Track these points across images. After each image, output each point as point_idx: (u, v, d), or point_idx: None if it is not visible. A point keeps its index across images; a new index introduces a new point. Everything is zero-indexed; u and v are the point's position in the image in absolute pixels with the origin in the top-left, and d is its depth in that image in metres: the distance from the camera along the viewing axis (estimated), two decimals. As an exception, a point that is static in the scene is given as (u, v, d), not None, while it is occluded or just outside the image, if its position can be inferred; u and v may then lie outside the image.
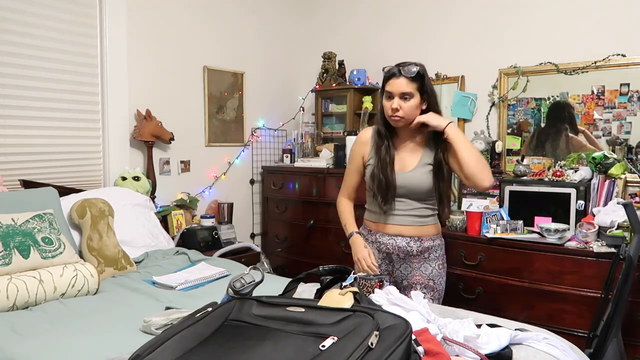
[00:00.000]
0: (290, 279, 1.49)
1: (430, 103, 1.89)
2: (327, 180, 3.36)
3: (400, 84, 1.83)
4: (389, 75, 1.87)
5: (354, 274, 1.46)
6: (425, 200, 1.97)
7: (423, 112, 1.90)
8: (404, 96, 1.84)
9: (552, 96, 3.02)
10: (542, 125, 3.07)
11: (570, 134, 2.97)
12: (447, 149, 1.92)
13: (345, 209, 2.13)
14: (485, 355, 1.27)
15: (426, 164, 1.93)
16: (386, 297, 1.45)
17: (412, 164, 1.94)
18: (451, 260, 2.82)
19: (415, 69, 1.83)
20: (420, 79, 1.84)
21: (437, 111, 1.91)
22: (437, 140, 1.93)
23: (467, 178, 1.86)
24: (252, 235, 3.83)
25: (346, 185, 2.14)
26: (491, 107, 3.25)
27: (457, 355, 1.26)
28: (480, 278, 2.70)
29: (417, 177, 1.92)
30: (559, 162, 2.92)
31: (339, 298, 1.22)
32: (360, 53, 3.78)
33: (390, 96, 1.86)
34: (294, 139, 3.82)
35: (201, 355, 1.00)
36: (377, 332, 1.00)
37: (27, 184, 2.51)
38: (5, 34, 2.49)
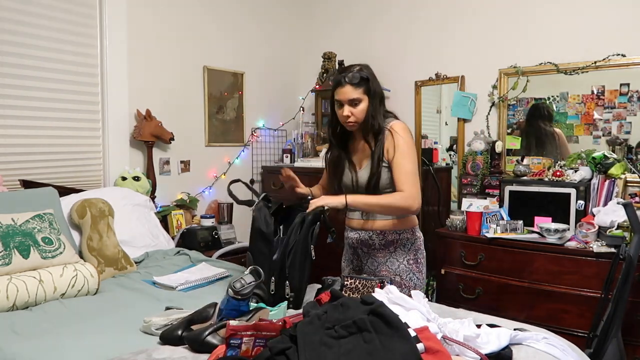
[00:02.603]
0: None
1: (374, 104, 1.91)
2: (327, 180, 3.36)
3: (346, 92, 1.89)
4: (335, 85, 1.93)
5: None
6: (383, 194, 1.97)
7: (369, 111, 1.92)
8: (353, 102, 1.89)
9: (552, 96, 3.02)
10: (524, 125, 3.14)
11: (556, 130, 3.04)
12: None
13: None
14: (485, 355, 1.27)
15: (377, 161, 1.94)
16: (386, 297, 1.45)
17: (364, 162, 1.98)
18: (451, 260, 2.83)
19: (358, 75, 1.88)
20: (366, 83, 1.89)
21: (378, 111, 1.92)
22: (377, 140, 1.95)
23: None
24: (252, 235, 3.82)
25: (322, 180, 2.25)
26: (491, 107, 3.25)
27: (458, 355, 1.26)
28: (480, 278, 2.70)
29: (367, 173, 1.95)
30: (558, 162, 2.92)
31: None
32: (360, 53, 3.78)
33: (341, 104, 1.92)
34: (294, 139, 3.82)
35: None
36: None
37: (27, 184, 2.51)
38: (5, 34, 2.49)
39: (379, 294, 1.48)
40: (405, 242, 2.01)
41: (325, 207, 1.85)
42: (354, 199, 1.86)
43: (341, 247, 2.18)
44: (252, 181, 3.80)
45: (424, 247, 2.08)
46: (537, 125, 3.10)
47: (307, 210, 1.82)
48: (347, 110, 1.90)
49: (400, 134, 1.90)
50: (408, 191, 1.84)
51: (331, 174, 2.07)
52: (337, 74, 1.97)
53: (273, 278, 1.76)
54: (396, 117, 2.01)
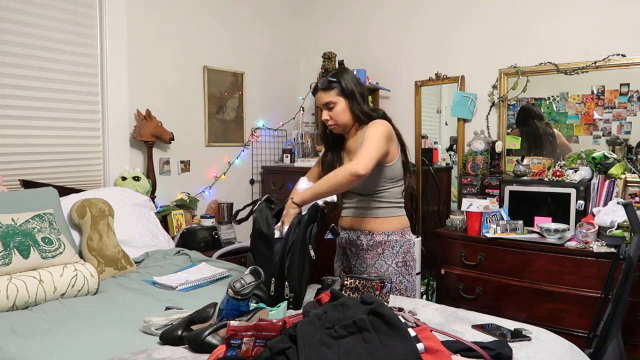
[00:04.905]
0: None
1: (352, 104, 1.95)
2: (327, 180, 3.36)
3: (320, 97, 1.97)
4: (312, 92, 2.03)
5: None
6: (372, 194, 1.99)
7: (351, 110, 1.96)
8: (328, 106, 1.96)
9: (552, 96, 3.02)
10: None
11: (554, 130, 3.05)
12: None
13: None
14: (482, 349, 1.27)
15: None
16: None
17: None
18: (451, 260, 2.83)
19: (326, 79, 1.95)
20: (337, 85, 1.94)
21: (362, 110, 1.95)
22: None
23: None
24: (252, 235, 3.82)
25: (312, 171, 2.25)
26: (491, 107, 3.25)
27: (458, 354, 1.26)
28: (480, 278, 2.70)
29: None
30: (558, 162, 2.92)
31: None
32: (360, 53, 3.78)
33: (321, 109, 2.00)
34: (294, 139, 3.82)
35: None
36: None
37: (27, 184, 2.51)
38: (5, 34, 2.49)
39: None
40: (394, 244, 2.00)
41: (322, 204, 1.85)
42: (301, 195, 1.87)
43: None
44: (252, 181, 3.80)
45: (414, 250, 2.07)
46: (533, 125, 3.11)
47: (283, 224, 1.83)
48: (325, 114, 1.97)
49: (375, 126, 1.91)
50: (356, 158, 1.82)
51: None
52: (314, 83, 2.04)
53: (273, 279, 1.76)
54: (383, 117, 2.00)
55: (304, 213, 1.84)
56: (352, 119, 1.98)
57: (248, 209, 2.03)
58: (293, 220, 1.83)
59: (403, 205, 2.08)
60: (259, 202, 1.97)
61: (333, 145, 2.11)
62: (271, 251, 1.81)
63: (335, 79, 1.95)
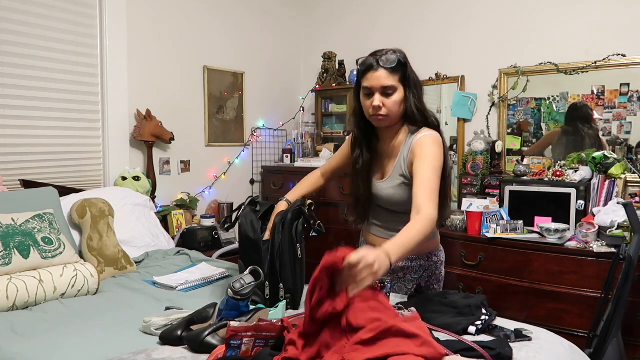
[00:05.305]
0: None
1: (416, 95, 1.62)
2: (327, 180, 3.35)
3: (380, 77, 1.57)
4: (365, 69, 1.61)
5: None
6: (402, 212, 1.62)
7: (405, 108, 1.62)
8: (386, 91, 1.58)
9: (552, 96, 3.02)
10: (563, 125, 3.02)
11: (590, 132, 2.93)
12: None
13: (306, 179, 1.93)
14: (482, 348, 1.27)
15: (399, 175, 1.66)
16: None
17: (388, 171, 1.70)
18: (451, 260, 2.82)
19: (394, 57, 1.59)
20: (402, 69, 1.60)
21: (422, 108, 1.63)
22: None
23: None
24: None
25: (328, 163, 1.97)
26: (491, 107, 3.25)
27: (457, 354, 1.26)
28: (480, 278, 2.70)
29: (390, 187, 1.68)
30: (558, 162, 2.92)
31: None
32: (360, 53, 3.74)
33: (370, 93, 1.60)
34: (294, 139, 3.82)
35: None
36: None
37: (27, 184, 2.51)
38: (5, 34, 2.49)
39: None
40: (417, 270, 1.76)
41: (309, 202, 1.74)
42: (397, 253, 1.30)
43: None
44: (252, 181, 3.80)
45: (441, 270, 1.80)
46: (575, 127, 2.98)
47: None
48: (378, 99, 1.57)
49: (434, 145, 1.57)
50: (429, 212, 1.45)
51: (356, 179, 1.76)
52: (367, 57, 1.66)
53: (267, 283, 1.71)
54: (435, 126, 1.64)
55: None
56: (407, 116, 1.63)
57: (234, 215, 1.94)
58: (276, 220, 1.71)
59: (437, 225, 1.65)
60: (243, 207, 1.85)
61: (365, 141, 1.72)
62: (260, 255, 1.71)
63: (404, 62, 1.61)
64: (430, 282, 1.78)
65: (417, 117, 1.62)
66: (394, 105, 1.59)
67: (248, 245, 1.75)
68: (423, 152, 1.56)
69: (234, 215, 1.95)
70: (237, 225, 1.86)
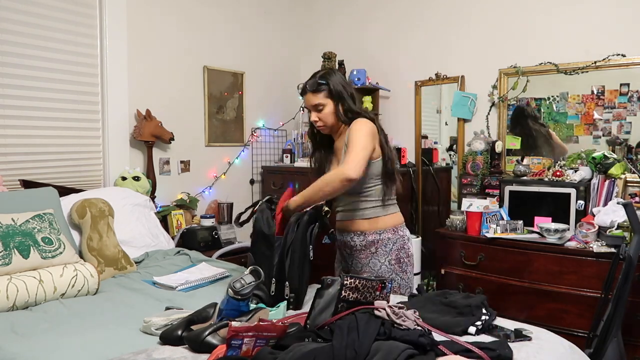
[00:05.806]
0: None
1: (344, 104, 1.95)
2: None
3: (309, 99, 1.99)
4: (301, 92, 2.05)
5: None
6: (360, 193, 1.96)
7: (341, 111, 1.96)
8: (317, 108, 1.98)
9: (552, 96, 3.02)
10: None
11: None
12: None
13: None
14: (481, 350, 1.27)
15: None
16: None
17: (339, 159, 1.99)
18: (451, 260, 2.83)
19: (315, 81, 1.95)
20: (326, 87, 1.95)
21: (354, 110, 1.95)
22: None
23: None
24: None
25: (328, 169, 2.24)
26: (491, 107, 3.25)
27: (457, 354, 1.26)
28: (480, 278, 2.70)
29: None
30: (558, 162, 2.92)
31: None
32: (360, 53, 3.78)
33: (309, 110, 2.02)
34: (294, 139, 3.82)
35: None
36: None
37: (27, 184, 2.51)
38: (5, 34, 2.49)
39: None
40: (386, 242, 1.98)
41: (326, 208, 1.87)
42: (294, 199, 1.89)
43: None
44: (252, 181, 3.80)
45: (409, 246, 2.04)
46: (527, 126, 3.13)
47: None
48: (313, 115, 1.99)
49: (358, 124, 1.90)
50: (346, 162, 1.80)
51: (315, 175, 2.05)
52: (303, 83, 2.05)
53: (274, 279, 1.76)
54: (367, 116, 1.97)
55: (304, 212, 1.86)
56: (340, 120, 1.98)
57: (249, 211, 2.06)
58: (291, 220, 1.83)
59: (394, 201, 2.05)
60: (260, 202, 1.98)
61: (321, 144, 2.12)
62: (272, 251, 1.82)
63: (323, 81, 1.95)
64: (401, 256, 2.00)
65: (351, 118, 1.95)
66: (326, 117, 1.98)
67: (261, 240, 1.87)
68: (351, 129, 1.90)
69: (249, 211, 2.06)
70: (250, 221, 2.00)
